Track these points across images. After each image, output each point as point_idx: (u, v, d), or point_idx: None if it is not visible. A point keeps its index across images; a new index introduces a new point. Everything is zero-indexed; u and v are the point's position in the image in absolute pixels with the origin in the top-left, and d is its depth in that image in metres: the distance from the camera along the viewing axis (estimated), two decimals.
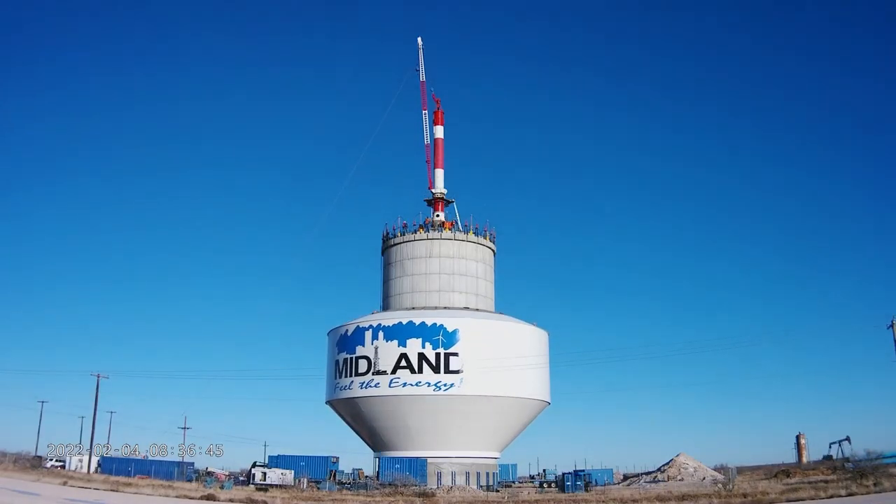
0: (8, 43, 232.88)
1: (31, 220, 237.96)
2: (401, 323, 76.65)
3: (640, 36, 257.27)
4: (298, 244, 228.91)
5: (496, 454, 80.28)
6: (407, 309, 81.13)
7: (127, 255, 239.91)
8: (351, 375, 77.42)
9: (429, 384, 73.98)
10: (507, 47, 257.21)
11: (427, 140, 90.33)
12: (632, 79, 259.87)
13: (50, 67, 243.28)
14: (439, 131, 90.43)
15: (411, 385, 74.22)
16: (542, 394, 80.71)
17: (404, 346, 75.36)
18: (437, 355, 74.76)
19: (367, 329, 77.70)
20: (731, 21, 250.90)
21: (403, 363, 74.97)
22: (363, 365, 76.81)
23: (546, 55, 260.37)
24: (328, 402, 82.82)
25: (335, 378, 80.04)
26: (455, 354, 74.78)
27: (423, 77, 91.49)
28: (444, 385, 73.83)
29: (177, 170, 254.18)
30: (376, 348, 76.36)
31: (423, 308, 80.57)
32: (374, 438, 79.94)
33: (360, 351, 77.39)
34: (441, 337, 75.29)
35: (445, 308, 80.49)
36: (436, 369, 74.31)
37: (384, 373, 75.30)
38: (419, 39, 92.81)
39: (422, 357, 74.80)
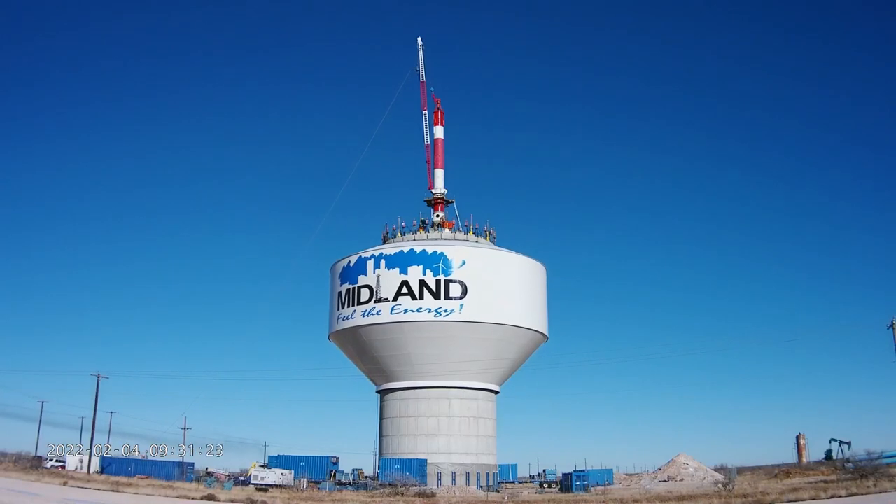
0: (9, 37, 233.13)
1: (30, 220, 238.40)
2: (402, 251, 77.44)
3: (641, 34, 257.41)
4: (298, 246, 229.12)
5: (495, 387, 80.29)
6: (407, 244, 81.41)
7: (127, 255, 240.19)
8: (353, 305, 78.00)
9: (429, 310, 74.54)
10: (508, 47, 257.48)
11: (427, 140, 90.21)
12: (632, 77, 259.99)
13: (47, 60, 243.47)
14: (439, 131, 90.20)
15: (412, 311, 74.77)
16: (541, 326, 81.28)
17: (405, 273, 76.06)
18: (438, 282, 75.37)
19: (370, 259, 78.48)
20: (730, 20, 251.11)
21: (405, 290, 75.57)
22: (365, 294, 77.44)
23: (546, 55, 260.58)
24: (330, 337, 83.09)
25: (337, 310, 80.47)
26: (455, 282, 75.56)
27: (423, 77, 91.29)
28: (445, 311, 74.46)
29: (176, 171, 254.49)
30: (378, 276, 76.90)
31: (425, 240, 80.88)
32: (375, 369, 79.90)
33: (361, 280, 78.00)
34: (441, 264, 76.03)
35: (445, 239, 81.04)
36: (436, 296, 74.98)
37: (386, 300, 75.83)
38: (419, 39, 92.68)
39: (423, 284, 75.34)
